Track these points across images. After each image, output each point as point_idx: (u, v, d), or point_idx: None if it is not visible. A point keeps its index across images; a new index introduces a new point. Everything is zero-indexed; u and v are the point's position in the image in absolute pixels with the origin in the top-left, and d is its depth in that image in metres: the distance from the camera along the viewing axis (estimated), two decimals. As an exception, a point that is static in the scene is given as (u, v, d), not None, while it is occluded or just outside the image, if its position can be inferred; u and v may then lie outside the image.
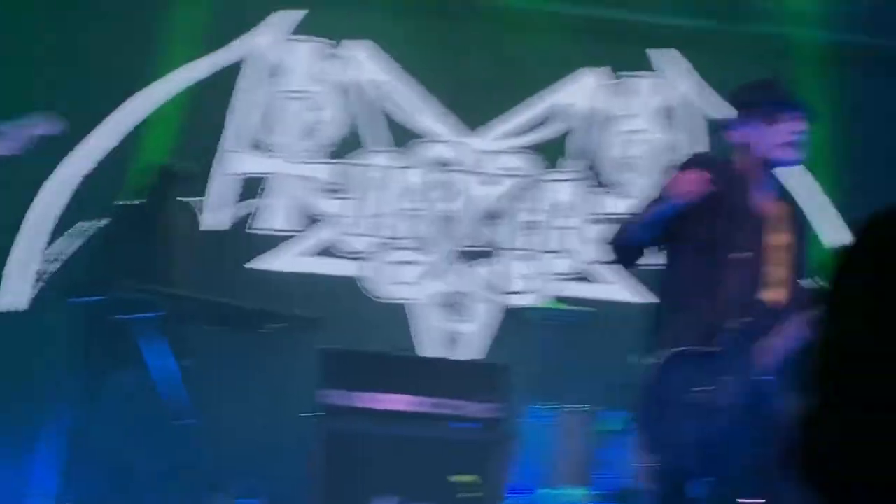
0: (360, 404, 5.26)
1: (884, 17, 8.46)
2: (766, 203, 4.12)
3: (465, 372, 5.55)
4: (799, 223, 4.22)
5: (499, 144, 8.61)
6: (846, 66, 8.68)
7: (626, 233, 4.14)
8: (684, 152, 8.54)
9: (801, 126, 4.04)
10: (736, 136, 4.19)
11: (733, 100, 4.30)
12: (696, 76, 8.80)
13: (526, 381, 6.79)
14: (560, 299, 8.02)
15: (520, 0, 8.51)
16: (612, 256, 4.25)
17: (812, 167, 8.39)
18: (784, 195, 4.19)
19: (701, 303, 4.01)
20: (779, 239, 4.05)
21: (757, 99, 4.14)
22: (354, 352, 5.52)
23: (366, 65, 8.56)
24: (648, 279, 8.39)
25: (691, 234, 4.06)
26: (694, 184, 3.84)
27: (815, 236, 4.65)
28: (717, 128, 4.06)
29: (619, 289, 8.44)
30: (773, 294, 3.97)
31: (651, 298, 8.10)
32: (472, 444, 5.29)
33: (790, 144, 4.05)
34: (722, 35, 8.65)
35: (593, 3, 8.62)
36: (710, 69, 8.82)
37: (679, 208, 3.93)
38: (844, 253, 1.38)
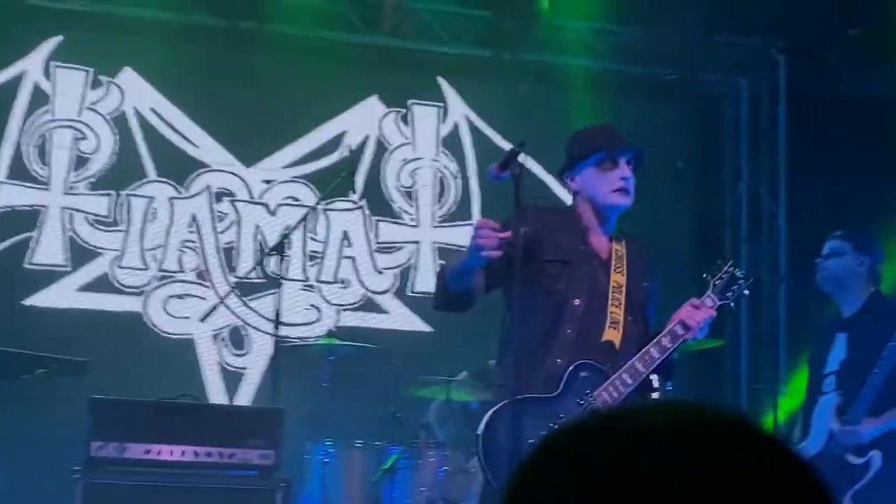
0: (131, 456, 5.07)
1: (650, 47, 8.75)
2: (603, 245, 4.21)
3: (241, 417, 5.43)
4: (640, 262, 4.29)
5: (281, 174, 8.51)
6: (617, 94, 8.95)
7: (441, 281, 4.13)
8: (469, 179, 8.72)
9: (630, 171, 4.18)
10: (571, 183, 4.29)
11: (567, 148, 4.37)
12: (478, 104, 8.90)
13: (307, 418, 6.73)
14: (344, 330, 7.98)
15: (303, 28, 8.42)
16: (440, 304, 4.19)
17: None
18: (621, 236, 4.28)
19: (540, 347, 4.05)
20: (617, 280, 4.13)
21: (588, 148, 4.24)
22: (125, 401, 5.32)
23: (142, 93, 8.32)
24: (426, 309, 8.48)
25: (530, 278, 4.07)
26: (487, 239, 3.80)
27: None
28: (510, 155, 4.01)
29: (403, 319, 8.47)
30: (612, 335, 4.04)
31: (426, 328, 8.31)
32: (249, 492, 5.18)
33: (621, 190, 4.16)
34: (501, 63, 8.78)
35: (378, 33, 8.61)
36: (488, 96, 8.94)
37: (477, 263, 3.91)
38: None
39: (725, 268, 4.19)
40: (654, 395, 6.37)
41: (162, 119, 8.34)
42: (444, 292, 4.09)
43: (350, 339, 7.11)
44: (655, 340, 4.02)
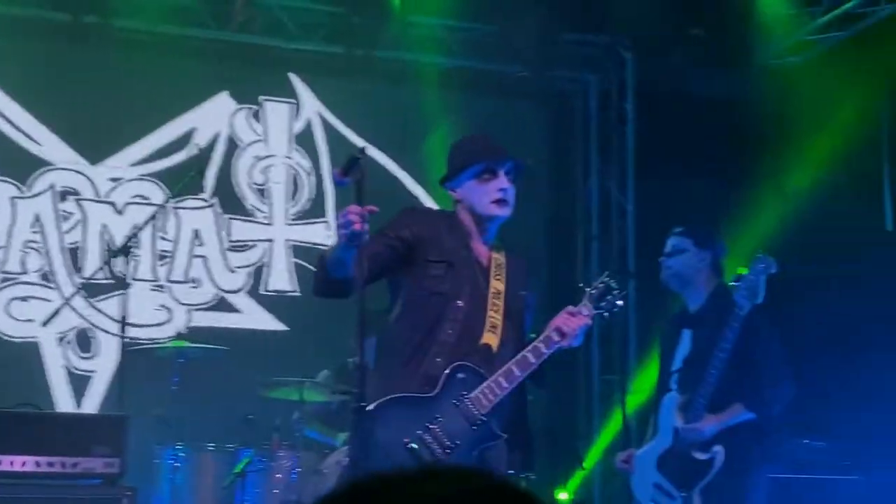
0: (-30, 467, 4.89)
1: (501, 44, 8.82)
2: (484, 252, 4.27)
3: (84, 425, 5.28)
4: (518, 273, 4.34)
5: (129, 172, 8.31)
6: (469, 91, 9.01)
7: (321, 266, 4.08)
8: (323, 176, 8.66)
9: (508, 183, 4.23)
10: (452, 192, 4.36)
11: (448, 157, 4.41)
12: (331, 100, 8.84)
13: (157, 422, 6.60)
14: (196, 331, 7.86)
15: (150, 23, 8.23)
16: (320, 290, 4.15)
17: (432, 187, 8.66)
18: (501, 248, 4.33)
19: (421, 345, 4.09)
20: (496, 286, 4.19)
21: (468, 159, 4.29)
22: (-38, 409, 5.14)
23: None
24: (281, 308, 8.42)
25: (416, 277, 4.14)
26: (354, 217, 3.76)
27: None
28: (351, 161, 3.93)
29: (257, 318, 8.38)
30: (490, 338, 4.10)
31: (280, 326, 8.24)
32: (94, 501, 5.05)
33: (499, 201, 4.21)
34: (354, 60, 8.74)
35: (229, 28, 8.48)
36: (341, 93, 8.90)
37: (348, 245, 3.82)
38: None
39: (601, 279, 4.33)
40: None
41: (2, 116, 8.07)
42: (324, 278, 4.06)
43: (201, 340, 7.00)
44: (532, 345, 4.11)
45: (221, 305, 8.35)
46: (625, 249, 9.13)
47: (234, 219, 8.49)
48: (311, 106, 8.81)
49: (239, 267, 8.44)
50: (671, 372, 5.32)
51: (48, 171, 8.14)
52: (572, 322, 4.13)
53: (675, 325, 5.44)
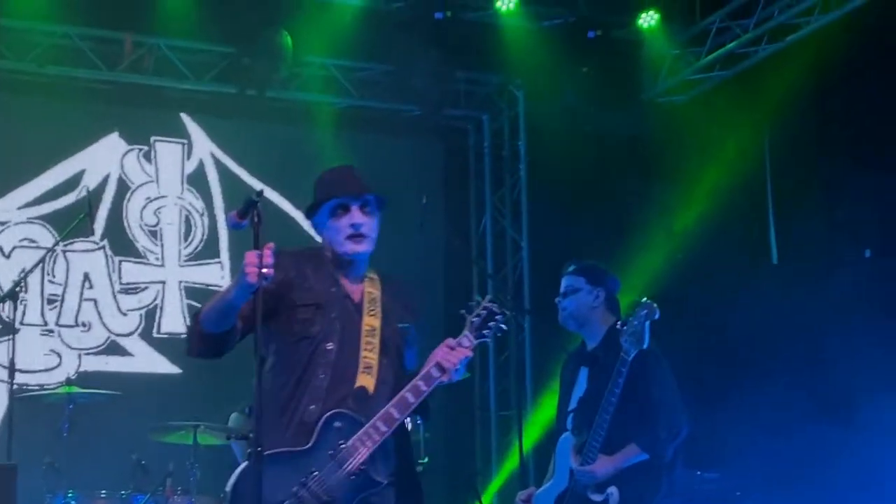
0: None
1: (394, 84, 8.88)
2: (355, 288, 4.06)
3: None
4: (396, 304, 4.12)
5: (16, 215, 8.16)
6: (362, 130, 9.05)
7: (196, 325, 3.88)
8: (216, 216, 8.60)
9: (363, 217, 4.03)
10: (314, 228, 4.17)
11: (313, 192, 4.20)
12: (224, 140, 8.80)
13: (48, 470, 6.45)
14: (87, 375, 7.72)
15: (35, 65, 8.10)
16: (195, 349, 3.94)
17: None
18: (375, 278, 4.11)
19: (294, 393, 3.89)
20: (370, 322, 4.00)
21: (322, 194, 4.09)
22: None
23: None
24: (174, 350, 8.31)
25: (285, 324, 3.94)
26: (256, 264, 3.61)
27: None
28: (248, 204, 3.83)
29: (150, 361, 8.26)
30: (365, 380, 3.89)
31: (174, 369, 8.12)
32: (-19, 553, 4.91)
33: (353, 237, 4.01)
34: (246, 100, 8.71)
35: (118, 69, 8.38)
36: (235, 133, 8.87)
37: (245, 293, 3.69)
38: None
39: (483, 304, 4.11)
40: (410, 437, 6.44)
41: None
42: (199, 336, 3.90)
43: (92, 385, 6.87)
44: (411, 385, 3.91)
45: (113, 349, 8.21)
46: (520, 285, 9.21)
47: (126, 261, 8.38)
48: (204, 146, 8.75)
49: (131, 310, 8.32)
50: (567, 412, 5.33)
51: (-69, 214, 7.96)
52: (452, 356, 3.95)
53: (573, 363, 5.46)
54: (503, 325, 4.10)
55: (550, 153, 8.86)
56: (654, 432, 5.06)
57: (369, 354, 3.95)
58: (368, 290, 4.07)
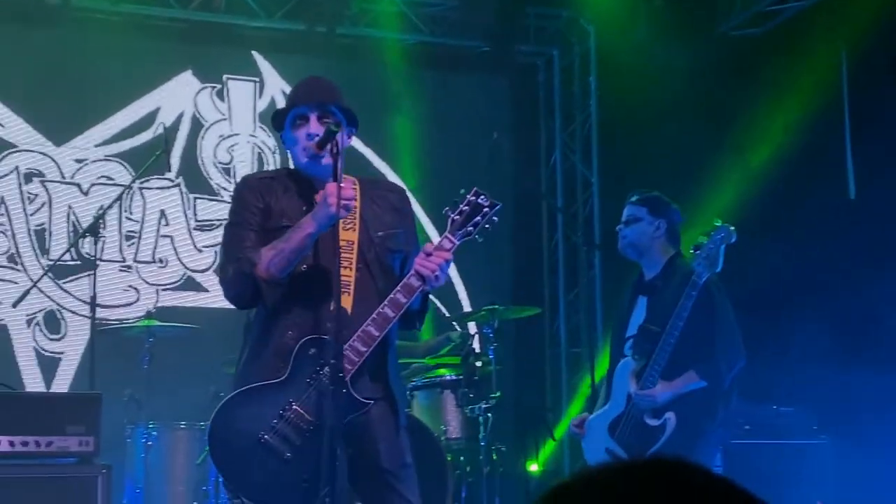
0: (-61, 449, 4.89)
1: (464, 19, 8.83)
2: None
3: (58, 405, 5.27)
4: (378, 209, 3.95)
5: (93, 153, 8.28)
6: (431, 67, 9.03)
7: (267, 271, 3.69)
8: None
9: (320, 127, 3.79)
10: (283, 143, 4.05)
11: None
12: (294, 78, 8.81)
13: (129, 402, 6.61)
14: (163, 311, 7.85)
15: (112, 3, 8.18)
16: (246, 296, 3.80)
17: (397, 163, 8.71)
18: (354, 185, 3.85)
19: (273, 321, 3.76)
20: (346, 237, 3.78)
21: (287, 105, 3.95)
22: (-67, 392, 5.12)
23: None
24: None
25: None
26: (339, 196, 3.57)
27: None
28: (327, 134, 3.76)
29: (222, 296, 8.36)
30: (343, 300, 3.67)
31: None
32: (69, 479, 5.05)
33: (307, 149, 3.82)
34: (316, 37, 8.73)
35: (191, 7, 8.44)
36: (305, 70, 8.84)
37: (325, 226, 3.64)
38: None
39: (468, 197, 3.81)
40: (477, 363, 6.50)
41: (-35, 98, 8.01)
42: (255, 282, 3.74)
43: (169, 319, 7.00)
44: (389, 298, 3.72)
45: (189, 285, 8.35)
46: (590, 221, 9.20)
47: (200, 198, 8.48)
48: (275, 84, 8.80)
49: (206, 246, 8.44)
50: (625, 338, 5.37)
51: (12, 152, 8.10)
52: (429, 263, 3.70)
53: (630, 292, 5.49)
54: (494, 218, 3.82)
55: (621, 89, 8.78)
56: (713, 360, 5.09)
57: (346, 272, 3.75)
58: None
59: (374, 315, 3.71)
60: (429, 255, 3.73)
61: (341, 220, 3.72)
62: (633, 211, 5.43)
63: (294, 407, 3.69)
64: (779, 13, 8.48)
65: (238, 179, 8.57)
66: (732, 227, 5.01)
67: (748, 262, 6.04)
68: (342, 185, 3.68)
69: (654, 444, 5.05)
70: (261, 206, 3.85)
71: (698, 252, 5.00)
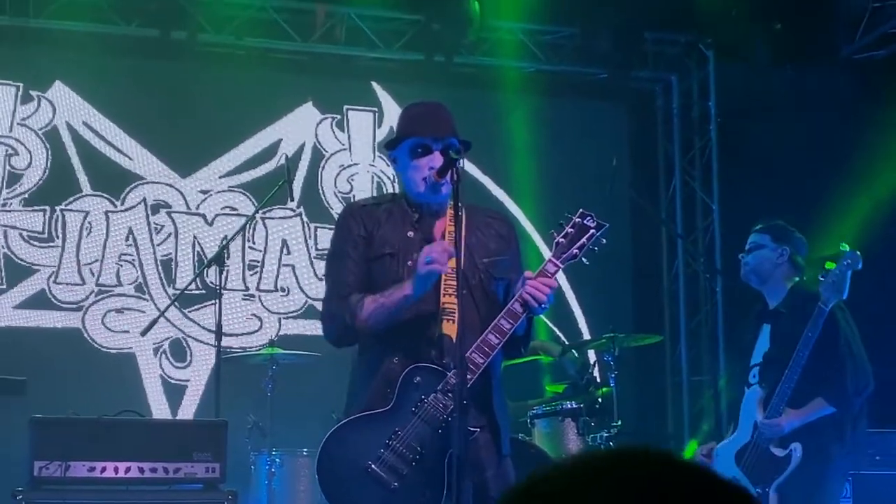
0: (75, 475, 5.02)
1: (582, 47, 8.82)
2: (433, 229, 3.86)
3: (185, 431, 5.39)
4: (482, 236, 3.93)
5: (217, 184, 8.47)
6: (550, 94, 9.02)
7: (366, 323, 3.74)
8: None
9: (441, 160, 3.75)
10: (393, 164, 4.02)
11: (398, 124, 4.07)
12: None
13: (252, 429, 6.71)
14: (285, 339, 7.96)
15: (235, 37, 8.38)
16: (345, 340, 3.89)
17: (516, 191, 8.71)
18: (460, 209, 3.72)
19: (377, 352, 3.80)
20: (449, 263, 3.69)
21: (403, 130, 3.91)
22: (67, 419, 5.26)
23: (74, 106, 8.23)
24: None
25: (369, 279, 3.83)
26: (441, 255, 3.58)
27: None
28: (448, 162, 3.76)
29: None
30: (447, 327, 3.66)
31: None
32: (195, 505, 5.16)
33: (428, 179, 3.79)
34: (434, 66, 8.81)
35: (311, 39, 8.58)
36: (423, 99, 8.95)
37: (428, 283, 3.64)
38: None
39: (574, 219, 3.79)
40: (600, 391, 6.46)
41: (95, 132, 8.26)
42: (355, 332, 3.82)
43: (291, 347, 7.10)
44: (494, 324, 3.69)
45: (310, 313, 8.45)
46: (711, 248, 9.08)
47: (321, 227, 8.60)
48: (394, 113, 8.88)
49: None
50: (750, 366, 5.32)
51: (140, 184, 8.32)
52: (532, 290, 3.66)
53: (756, 320, 5.44)
54: (603, 239, 3.77)
55: (741, 114, 8.68)
56: (842, 386, 5.00)
57: (449, 299, 3.70)
58: (449, 228, 3.77)
59: (477, 343, 3.69)
60: (532, 280, 3.69)
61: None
62: (756, 238, 5.41)
63: (399, 434, 3.69)
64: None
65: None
66: (859, 253, 4.93)
67: (876, 287, 5.90)
68: (438, 243, 3.68)
69: (779, 474, 4.98)
70: (363, 235, 3.87)
71: (825, 278, 4.93)
